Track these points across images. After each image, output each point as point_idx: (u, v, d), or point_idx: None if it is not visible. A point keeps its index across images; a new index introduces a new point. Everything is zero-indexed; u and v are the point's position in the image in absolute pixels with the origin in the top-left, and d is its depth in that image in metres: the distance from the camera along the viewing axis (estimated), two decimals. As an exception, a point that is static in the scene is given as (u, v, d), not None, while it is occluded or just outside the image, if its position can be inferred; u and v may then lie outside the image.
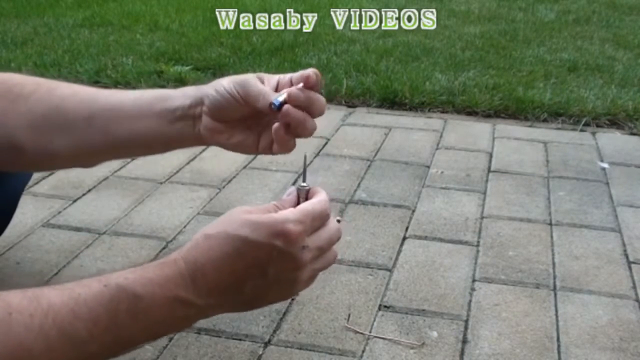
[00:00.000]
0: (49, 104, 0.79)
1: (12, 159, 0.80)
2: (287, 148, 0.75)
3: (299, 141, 0.75)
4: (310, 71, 0.72)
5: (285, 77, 0.75)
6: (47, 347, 0.55)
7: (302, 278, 0.67)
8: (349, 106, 1.91)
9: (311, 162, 1.50)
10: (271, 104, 0.71)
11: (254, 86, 0.73)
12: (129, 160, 1.51)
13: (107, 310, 0.58)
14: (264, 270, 0.64)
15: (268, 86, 0.75)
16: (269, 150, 0.77)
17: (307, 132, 0.73)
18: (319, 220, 0.67)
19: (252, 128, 0.77)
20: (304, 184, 0.71)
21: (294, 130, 0.73)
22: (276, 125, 0.74)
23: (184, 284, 0.62)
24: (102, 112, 0.78)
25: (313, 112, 0.72)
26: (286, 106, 0.71)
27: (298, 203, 0.70)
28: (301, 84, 0.72)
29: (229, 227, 0.63)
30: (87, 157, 0.85)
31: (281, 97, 0.71)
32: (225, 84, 0.75)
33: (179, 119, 0.77)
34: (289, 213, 0.65)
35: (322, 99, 0.73)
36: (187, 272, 0.62)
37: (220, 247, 0.63)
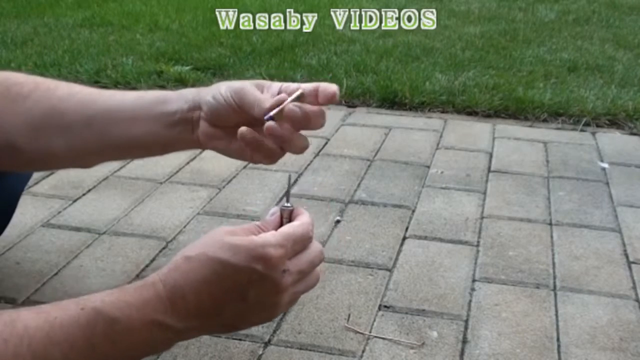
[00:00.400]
0: (47, 105, 0.78)
1: (10, 158, 0.80)
2: (271, 159, 0.74)
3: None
4: (334, 90, 0.70)
5: (290, 86, 0.73)
6: None
7: (283, 302, 0.66)
8: (349, 106, 1.91)
9: (311, 162, 1.50)
10: (266, 115, 0.70)
11: (250, 94, 0.72)
12: (128, 160, 1.51)
13: (83, 334, 0.58)
14: (244, 294, 0.63)
15: (268, 94, 0.73)
16: (262, 160, 0.75)
17: (296, 149, 0.72)
18: (301, 243, 0.67)
19: None
20: (288, 204, 0.70)
21: (282, 146, 0.72)
22: (257, 136, 0.72)
23: (162, 307, 0.61)
24: (100, 115, 0.78)
25: (310, 127, 0.71)
26: (270, 123, 0.70)
27: (281, 223, 0.69)
28: (297, 92, 0.71)
29: (209, 249, 0.63)
30: (85, 158, 0.85)
31: (275, 110, 0.70)
32: (223, 90, 0.74)
33: (178, 123, 0.76)
34: (270, 236, 0.64)
35: (323, 113, 0.71)
36: (165, 295, 0.61)
37: (200, 270, 0.62)
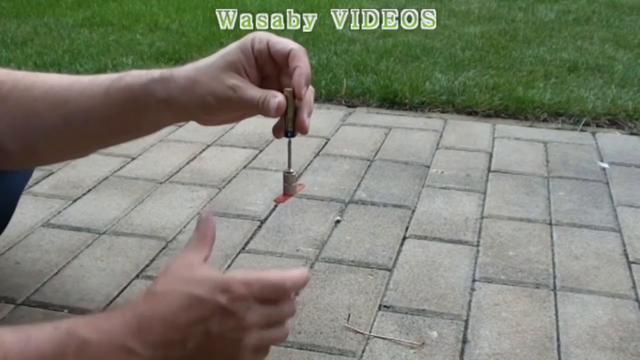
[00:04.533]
0: (25, 108, 0.77)
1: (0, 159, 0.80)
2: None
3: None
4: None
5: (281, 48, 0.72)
6: None
7: (247, 341, 0.65)
8: (349, 106, 1.90)
9: (311, 162, 1.50)
10: (286, 132, 0.71)
11: (246, 95, 0.71)
12: (128, 160, 1.51)
13: (54, 352, 0.59)
14: (206, 327, 0.63)
15: (253, 70, 0.72)
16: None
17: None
18: (272, 290, 0.65)
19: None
20: (291, 170, 0.71)
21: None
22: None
23: (130, 333, 0.62)
24: (75, 114, 0.77)
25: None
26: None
27: (284, 191, 0.71)
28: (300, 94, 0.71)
29: (177, 283, 0.65)
30: (72, 152, 0.86)
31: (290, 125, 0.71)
32: (211, 99, 0.72)
33: (160, 110, 0.75)
34: (239, 274, 0.65)
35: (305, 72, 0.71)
36: (134, 323, 0.62)
37: (167, 302, 0.63)
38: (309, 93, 0.71)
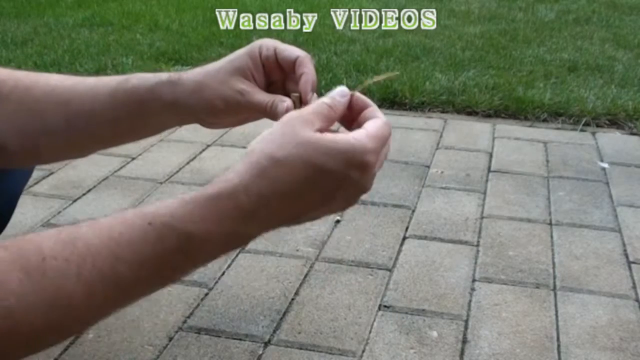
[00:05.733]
0: (26, 108, 0.77)
1: (1, 158, 0.80)
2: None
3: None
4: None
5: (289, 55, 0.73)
6: (89, 292, 0.52)
7: (358, 199, 0.63)
8: (349, 106, 1.90)
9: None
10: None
11: (254, 100, 0.72)
12: (129, 160, 1.51)
13: (154, 251, 0.54)
14: (330, 199, 0.59)
15: (260, 74, 0.73)
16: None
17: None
18: (385, 144, 0.62)
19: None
20: (370, 81, 0.70)
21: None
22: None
23: (243, 219, 0.57)
24: (78, 115, 0.77)
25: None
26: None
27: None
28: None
29: (301, 150, 0.57)
30: (74, 152, 0.86)
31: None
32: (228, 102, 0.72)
33: (166, 112, 0.76)
34: (366, 140, 0.59)
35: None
36: (248, 206, 0.56)
37: (292, 176, 0.57)
38: (314, 99, 0.72)
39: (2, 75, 0.79)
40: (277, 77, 0.75)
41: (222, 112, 0.73)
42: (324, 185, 0.58)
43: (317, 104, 0.62)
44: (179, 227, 0.55)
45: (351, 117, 0.65)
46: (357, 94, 0.65)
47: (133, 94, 0.75)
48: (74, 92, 0.78)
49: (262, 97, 0.72)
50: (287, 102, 0.70)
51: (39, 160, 0.94)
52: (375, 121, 0.62)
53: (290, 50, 0.73)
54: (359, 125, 0.62)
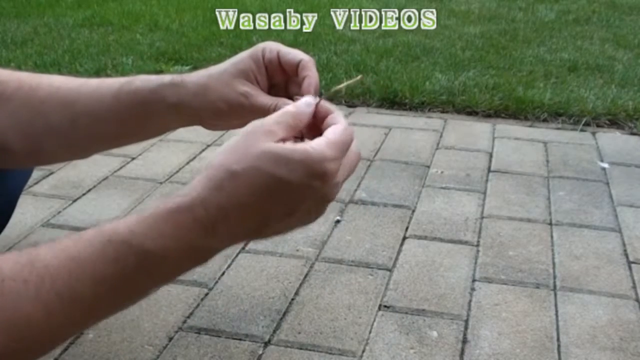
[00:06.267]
0: (30, 108, 0.78)
1: (2, 159, 0.80)
2: None
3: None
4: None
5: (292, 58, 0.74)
6: (47, 312, 0.52)
7: (324, 210, 0.62)
8: (349, 106, 1.91)
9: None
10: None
11: (258, 104, 0.72)
12: (128, 160, 1.51)
13: (113, 269, 0.54)
14: (292, 211, 0.58)
15: (263, 77, 0.74)
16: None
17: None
18: (346, 150, 0.61)
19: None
20: (333, 89, 0.73)
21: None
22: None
23: (203, 233, 0.56)
24: (83, 115, 0.77)
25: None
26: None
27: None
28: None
29: (259, 162, 0.56)
30: (76, 153, 0.87)
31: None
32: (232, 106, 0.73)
33: (169, 114, 0.76)
34: (326, 148, 0.57)
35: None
36: (207, 220, 0.55)
37: (250, 188, 0.56)
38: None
39: (4, 76, 0.79)
40: (280, 79, 0.75)
41: (225, 114, 0.74)
42: (284, 197, 0.57)
43: (281, 113, 0.61)
44: (136, 244, 0.54)
45: (316, 126, 0.64)
46: (322, 102, 0.65)
47: (137, 95, 0.76)
48: (78, 93, 0.79)
49: (265, 99, 0.72)
50: (290, 105, 0.70)
51: (41, 160, 0.94)
52: (335, 127, 0.61)
53: (294, 54, 0.74)
54: (321, 133, 0.61)
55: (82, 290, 0.53)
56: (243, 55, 0.74)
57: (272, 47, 0.74)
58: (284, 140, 0.59)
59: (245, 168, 0.56)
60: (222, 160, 0.57)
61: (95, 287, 0.53)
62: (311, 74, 0.72)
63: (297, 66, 0.73)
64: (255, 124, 0.59)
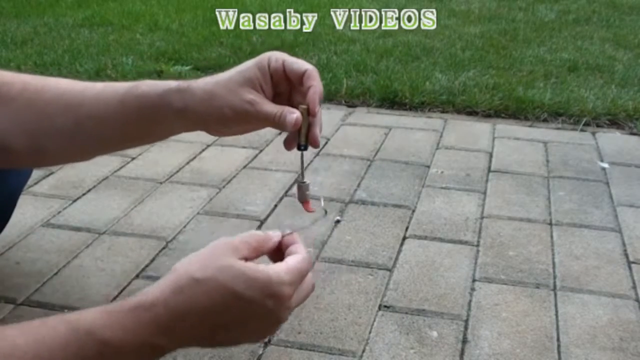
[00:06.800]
0: (36, 110, 0.78)
1: (3, 158, 0.81)
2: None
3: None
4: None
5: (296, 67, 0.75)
6: None
7: (274, 330, 0.69)
8: (349, 106, 1.91)
9: (311, 161, 1.50)
10: (299, 145, 0.76)
11: (262, 112, 0.74)
12: (128, 160, 1.51)
13: (75, 356, 0.57)
14: (244, 325, 0.63)
15: (268, 86, 0.76)
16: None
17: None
18: (303, 279, 0.67)
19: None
20: (305, 180, 0.75)
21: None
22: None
23: (159, 332, 0.60)
24: (88, 118, 0.78)
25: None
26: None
27: (298, 199, 0.72)
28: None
29: (220, 275, 0.61)
30: (79, 155, 0.87)
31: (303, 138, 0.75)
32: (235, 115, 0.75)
33: (175, 120, 0.78)
34: (284, 274, 0.63)
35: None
36: (165, 320, 0.60)
37: (208, 297, 0.60)
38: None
39: (8, 78, 0.80)
40: (284, 88, 0.77)
41: (230, 121, 0.76)
42: (238, 311, 0.61)
43: (249, 235, 0.66)
44: (98, 334, 0.58)
45: (280, 252, 0.69)
46: (292, 235, 0.70)
47: (143, 99, 0.77)
48: (83, 96, 0.79)
49: (270, 107, 0.74)
50: (296, 114, 0.73)
51: (44, 162, 0.94)
52: (296, 256, 0.66)
53: (299, 64, 0.75)
54: (282, 260, 0.67)
55: None
56: (249, 63, 0.76)
57: (277, 56, 0.76)
58: (246, 259, 0.64)
59: (207, 277, 0.60)
60: (187, 267, 0.62)
61: None
62: (316, 84, 0.74)
63: (302, 76, 0.75)
64: (222, 239, 0.65)
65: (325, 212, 0.77)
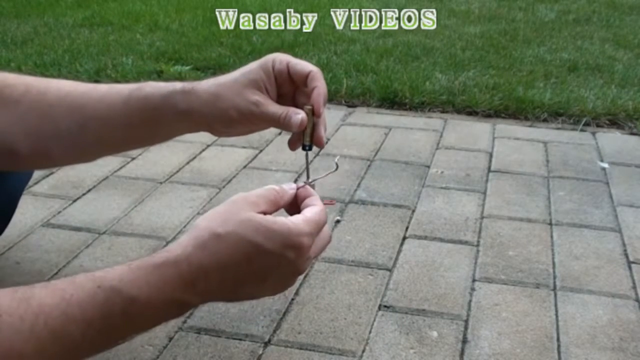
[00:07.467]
0: (39, 112, 0.78)
1: (8, 161, 0.81)
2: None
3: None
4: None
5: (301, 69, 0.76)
6: (39, 349, 0.54)
7: (294, 281, 0.69)
8: (349, 106, 1.91)
9: (311, 161, 1.50)
10: (304, 146, 0.76)
11: (266, 113, 0.75)
12: (128, 160, 1.51)
13: (101, 312, 0.58)
14: (266, 277, 0.65)
15: (273, 88, 0.77)
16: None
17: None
18: (320, 229, 0.69)
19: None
20: (310, 181, 0.76)
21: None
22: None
23: (184, 287, 0.61)
24: (92, 120, 0.79)
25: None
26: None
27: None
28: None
29: (241, 228, 0.62)
30: (83, 157, 0.87)
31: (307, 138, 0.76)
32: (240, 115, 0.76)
33: (179, 121, 0.78)
34: (303, 224, 0.65)
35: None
36: (189, 276, 0.61)
37: (230, 251, 0.62)
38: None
39: (11, 80, 0.80)
40: (288, 90, 0.78)
41: (235, 121, 0.76)
42: (260, 263, 0.63)
43: (266, 189, 0.69)
44: (124, 290, 0.58)
45: (296, 205, 0.72)
46: (305, 187, 0.73)
47: (147, 101, 0.78)
48: (87, 98, 0.80)
49: (275, 108, 0.75)
50: (301, 114, 0.74)
51: (48, 163, 0.95)
52: (313, 208, 0.69)
53: (303, 65, 0.76)
54: (300, 212, 0.69)
55: (72, 330, 0.56)
56: (253, 65, 0.77)
57: (281, 58, 0.77)
58: (265, 213, 0.66)
59: (228, 232, 0.62)
60: (207, 223, 0.63)
61: (84, 328, 0.57)
62: (320, 85, 0.75)
63: (306, 77, 0.76)
64: (240, 195, 0.66)
65: (337, 166, 0.79)
